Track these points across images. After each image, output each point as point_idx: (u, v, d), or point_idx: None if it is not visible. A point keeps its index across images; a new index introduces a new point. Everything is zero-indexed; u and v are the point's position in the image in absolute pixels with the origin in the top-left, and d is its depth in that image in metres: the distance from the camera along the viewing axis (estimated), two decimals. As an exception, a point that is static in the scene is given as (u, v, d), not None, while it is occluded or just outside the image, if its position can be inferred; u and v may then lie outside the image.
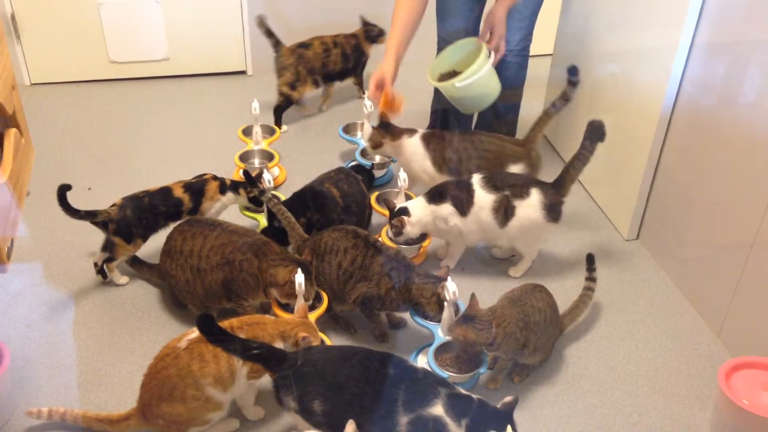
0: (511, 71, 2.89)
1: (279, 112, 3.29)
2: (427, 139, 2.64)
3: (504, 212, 2.34)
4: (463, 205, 2.34)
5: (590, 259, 2.26)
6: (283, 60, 3.28)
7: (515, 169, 2.56)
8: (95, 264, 2.39)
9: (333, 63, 3.37)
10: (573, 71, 2.50)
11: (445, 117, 3.09)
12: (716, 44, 2.19)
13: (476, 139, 2.61)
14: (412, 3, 2.59)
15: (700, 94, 2.28)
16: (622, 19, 2.62)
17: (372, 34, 3.44)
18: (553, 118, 2.60)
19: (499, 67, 2.79)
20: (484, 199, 2.34)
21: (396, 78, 2.61)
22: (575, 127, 3.06)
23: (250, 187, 2.43)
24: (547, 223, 2.36)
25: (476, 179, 2.36)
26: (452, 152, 2.60)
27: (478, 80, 2.58)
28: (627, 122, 2.63)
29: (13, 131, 1.80)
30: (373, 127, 2.67)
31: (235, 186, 2.46)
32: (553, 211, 2.35)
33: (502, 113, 3.03)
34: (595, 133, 2.31)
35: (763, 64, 2.01)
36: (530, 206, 2.33)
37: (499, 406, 1.66)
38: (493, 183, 2.34)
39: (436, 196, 2.37)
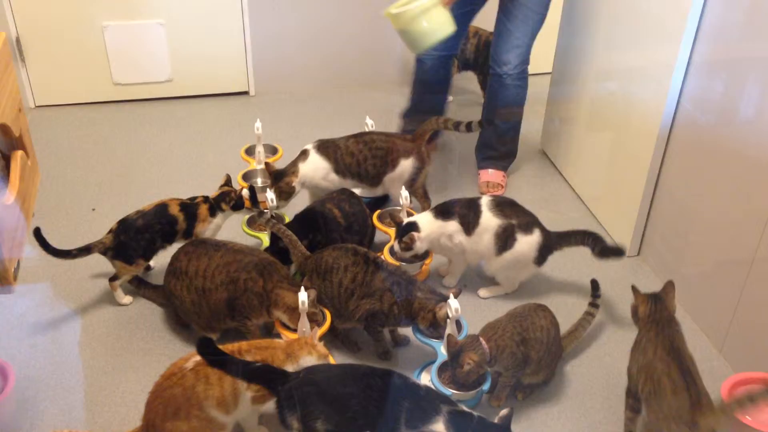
0: (511, 92, 2.96)
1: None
2: (323, 151, 2.67)
3: (504, 240, 2.36)
4: (469, 224, 2.36)
5: (595, 286, 2.27)
6: None
7: (406, 163, 2.62)
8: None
9: (468, 51, 3.54)
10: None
11: (422, 100, 3.14)
12: (713, 62, 2.21)
13: (368, 139, 2.66)
14: None
15: (698, 111, 2.30)
16: (620, 38, 2.65)
17: None
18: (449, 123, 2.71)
19: (499, 89, 2.86)
20: (490, 221, 2.36)
21: None
22: (574, 143, 3.08)
23: (253, 207, 2.44)
24: (533, 264, 2.41)
25: (485, 201, 2.39)
26: (350, 157, 2.64)
27: (419, 11, 2.53)
28: (626, 139, 2.65)
29: (19, 153, 1.82)
30: (268, 189, 2.62)
31: (217, 203, 2.47)
32: (543, 256, 2.41)
33: (502, 132, 3.07)
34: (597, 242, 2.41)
35: (760, 81, 2.03)
36: (528, 243, 2.37)
37: (496, 420, 1.67)
38: (501, 209, 2.37)
39: (443, 212, 2.39)
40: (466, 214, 2.37)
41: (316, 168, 2.67)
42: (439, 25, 2.60)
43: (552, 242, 2.41)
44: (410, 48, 2.76)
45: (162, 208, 2.40)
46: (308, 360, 1.87)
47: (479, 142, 3.20)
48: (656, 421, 1.77)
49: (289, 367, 1.85)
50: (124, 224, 2.35)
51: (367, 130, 2.94)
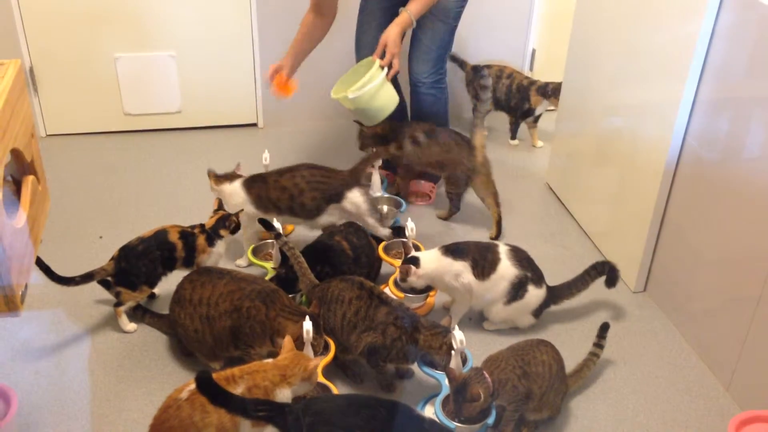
0: (427, 100, 3.08)
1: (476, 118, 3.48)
2: (248, 185, 2.69)
3: (517, 291, 2.37)
4: (484, 270, 2.37)
5: (603, 328, 2.27)
6: (466, 77, 3.76)
7: (352, 195, 2.65)
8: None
9: (499, 90, 3.65)
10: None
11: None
12: (719, 100, 2.23)
13: (306, 174, 2.67)
14: (311, 26, 2.95)
15: (703, 148, 2.31)
16: (627, 74, 2.68)
17: (546, 89, 3.56)
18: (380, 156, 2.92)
19: (414, 99, 3.10)
20: (508, 270, 2.37)
21: (293, 74, 2.96)
22: (580, 178, 3.09)
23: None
24: (531, 317, 2.45)
25: (504, 249, 2.41)
26: (280, 192, 2.65)
27: (369, 92, 2.72)
28: (632, 175, 2.66)
29: (30, 178, 1.84)
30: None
31: (215, 232, 2.47)
32: (541, 310, 2.45)
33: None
34: (601, 271, 2.47)
35: (764, 119, 2.04)
36: (535, 297, 2.41)
37: None
38: (519, 259, 2.40)
39: (454, 251, 2.39)
40: (482, 259, 2.38)
41: (232, 194, 2.69)
42: (389, 100, 2.81)
43: (553, 297, 2.47)
44: (365, 122, 2.97)
45: (161, 234, 2.41)
46: (303, 379, 1.86)
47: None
48: None
49: (286, 388, 1.83)
50: (124, 251, 2.36)
51: (376, 165, 2.99)
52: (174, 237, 2.41)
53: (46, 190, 2.04)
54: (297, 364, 1.87)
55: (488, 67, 3.73)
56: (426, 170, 3.10)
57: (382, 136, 3.04)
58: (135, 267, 2.34)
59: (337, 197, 2.65)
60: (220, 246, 2.48)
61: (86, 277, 2.33)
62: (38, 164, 1.90)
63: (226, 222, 2.48)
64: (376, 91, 2.74)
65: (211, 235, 2.46)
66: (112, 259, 2.36)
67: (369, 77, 2.71)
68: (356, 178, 2.72)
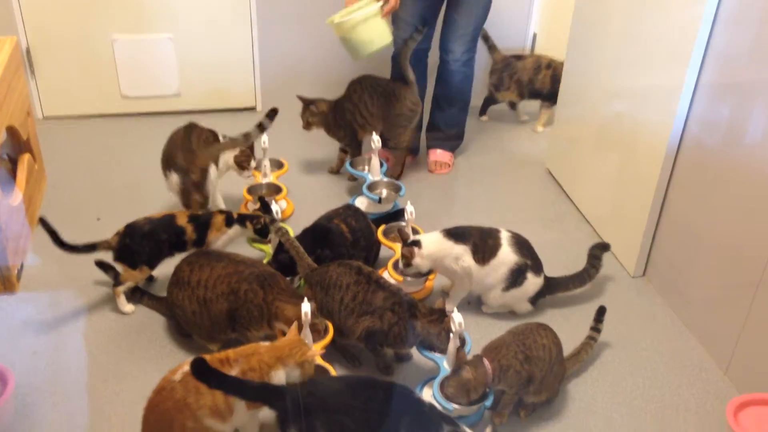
0: (457, 78, 3.21)
1: (485, 103, 3.84)
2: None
3: (516, 277, 2.37)
4: (485, 254, 2.37)
5: (600, 312, 2.28)
6: (492, 64, 3.75)
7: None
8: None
9: (540, 81, 3.64)
10: (271, 115, 2.83)
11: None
12: (721, 84, 2.22)
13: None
14: None
15: (705, 133, 2.30)
16: (628, 59, 2.66)
17: None
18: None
19: (446, 75, 3.19)
20: (508, 257, 2.37)
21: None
22: (580, 163, 3.09)
23: (265, 215, 2.44)
24: (528, 304, 2.45)
25: (505, 235, 2.40)
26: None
27: (354, 20, 2.73)
28: (633, 160, 2.65)
29: (26, 156, 1.83)
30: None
31: (241, 219, 2.48)
32: (537, 298, 2.45)
33: (451, 115, 3.32)
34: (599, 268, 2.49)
35: (766, 104, 2.03)
36: (533, 285, 2.41)
37: None
38: (520, 247, 2.40)
39: (456, 235, 2.39)
40: (483, 244, 2.38)
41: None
42: (377, 35, 2.82)
43: (550, 287, 2.47)
44: (352, 55, 2.95)
45: (170, 218, 2.41)
46: (298, 364, 1.85)
47: (429, 124, 3.40)
48: None
49: (281, 370, 1.83)
50: (131, 228, 2.36)
51: (373, 147, 2.96)
52: (182, 221, 2.40)
53: (43, 169, 2.03)
54: (294, 347, 1.87)
55: (521, 57, 3.70)
56: (373, 129, 3.09)
57: (326, 116, 3.14)
58: (139, 246, 2.34)
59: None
60: (234, 231, 2.47)
61: (89, 247, 2.32)
62: (34, 143, 1.89)
63: (254, 219, 2.47)
64: (361, 21, 2.74)
65: (231, 219, 2.45)
66: (117, 234, 2.35)
67: (358, 6, 2.72)
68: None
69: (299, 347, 1.87)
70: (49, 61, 3.59)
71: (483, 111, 3.87)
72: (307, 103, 3.15)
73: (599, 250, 2.51)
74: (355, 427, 1.69)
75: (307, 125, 3.18)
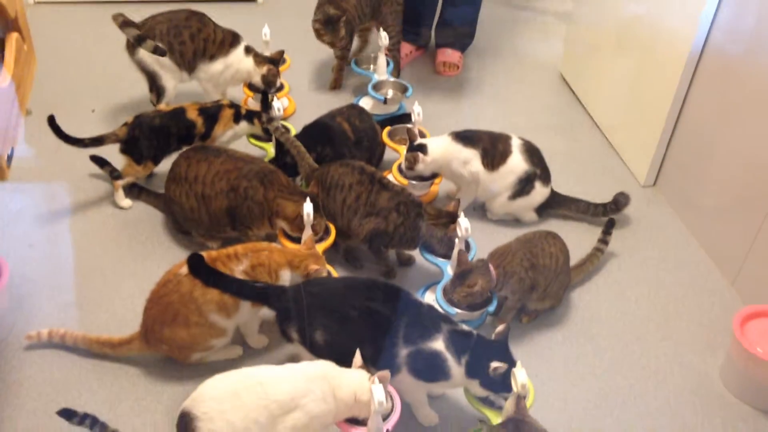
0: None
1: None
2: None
3: (523, 186, 2.31)
4: (494, 160, 2.30)
5: (610, 224, 2.25)
6: None
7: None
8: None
9: None
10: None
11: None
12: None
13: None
14: None
15: (728, 41, 2.20)
16: (654, -44, 2.51)
17: None
18: None
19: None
20: (518, 164, 2.30)
21: None
22: (595, 69, 2.97)
23: (264, 114, 2.35)
24: (533, 214, 2.39)
25: (516, 143, 2.33)
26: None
27: None
28: (652, 66, 2.54)
29: (15, 35, 1.71)
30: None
31: (249, 115, 2.39)
32: (542, 209, 2.39)
33: (462, 13, 3.19)
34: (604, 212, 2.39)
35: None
36: (540, 195, 2.35)
37: (493, 337, 1.63)
38: (530, 154, 2.32)
39: (465, 138, 2.32)
40: (493, 149, 2.31)
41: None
42: None
43: (555, 203, 2.41)
44: None
45: (180, 111, 2.32)
46: (303, 275, 1.84)
47: (438, 23, 3.27)
48: None
49: (287, 272, 1.81)
50: (140, 120, 2.28)
51: (380, 44, 2.83)
52: (192, 114, 2.32)
53: (33, 51, 1.92)
54: (306, 259, 1.85)
55: None
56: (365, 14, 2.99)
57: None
58: (147, 139, 2.27)
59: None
60: (241, 128, 2.39)
61: (96, 141, 2.26)
62: (23, 22, 1.77)
63: (263, 117, 2.36)
64: None
65: (239, 114, 2.36)
66: (125, 125, 2.27)
67: None
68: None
69: (312, 259, 1.85)
70: (39, -58, 3.39)
71: None
72: None
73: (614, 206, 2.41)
74: (352, 327, 1.67)
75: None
